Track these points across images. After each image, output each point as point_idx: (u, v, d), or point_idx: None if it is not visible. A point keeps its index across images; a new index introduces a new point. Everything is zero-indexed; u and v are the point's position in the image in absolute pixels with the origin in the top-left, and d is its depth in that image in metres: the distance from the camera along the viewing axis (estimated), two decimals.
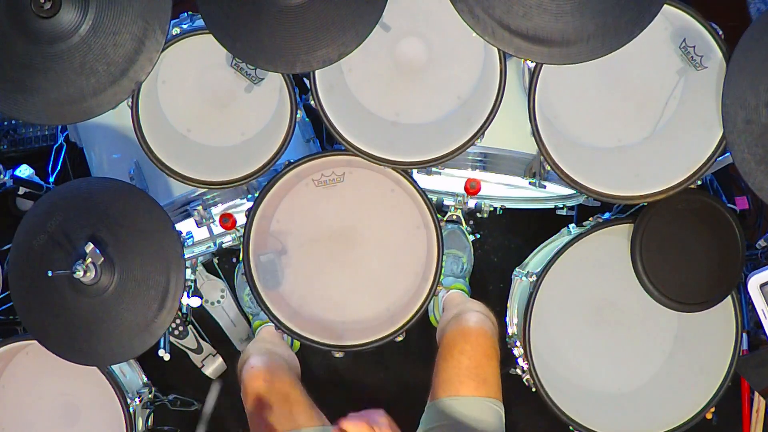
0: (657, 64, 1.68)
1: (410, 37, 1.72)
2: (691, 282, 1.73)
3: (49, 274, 1.48)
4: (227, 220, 1.87)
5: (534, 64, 1.59)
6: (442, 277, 1.78)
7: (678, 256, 1.73)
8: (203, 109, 1.77)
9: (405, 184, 1.78)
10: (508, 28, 1.48)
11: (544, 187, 1.83)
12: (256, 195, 1.78)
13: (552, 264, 1.78)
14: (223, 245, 2.03)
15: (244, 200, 1.87)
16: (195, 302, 1.91)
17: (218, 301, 2.33)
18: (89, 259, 1.47)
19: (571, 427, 1.79)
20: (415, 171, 1.80)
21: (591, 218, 1.88)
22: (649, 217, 1.72)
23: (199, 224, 1.84)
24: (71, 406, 1.89)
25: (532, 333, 1.78)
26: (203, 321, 2.29)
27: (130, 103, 1.62)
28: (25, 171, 2.18)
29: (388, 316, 1.83)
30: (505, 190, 2.05)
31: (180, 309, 1.61)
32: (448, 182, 1.95)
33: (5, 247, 2.03)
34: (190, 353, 2.30)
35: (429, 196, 1.78)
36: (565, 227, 1.91)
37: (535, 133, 1.64)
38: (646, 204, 1.72)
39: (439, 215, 1.78)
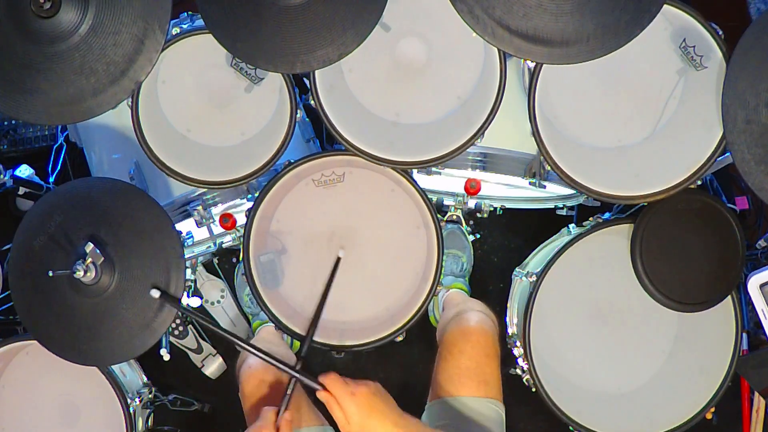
0: (657, 64, 1.67)
1: (410, 37, 1.72)
2: (691, 282, 1.72)
3: (50, 274, 1.47)
4: (227, 220, 1.87)
5: (534, 64, 1.59)
6: (442, 276, 1.78)
7: (678, 256, 1.72)
8: (203, 109, 1.77)
9: (405, 184, 1.78)
10: (508, 28, 1.47)
11: (544, 187, 1.83)
12: (256, 195, 1.78)
13: (552, 264, 1.78)
14: (223, 245, 2.03)
15: (244, 200, 1.87)
16: (195, 302, 1.91)
17: (218, 301, 2.33)
18: (89, 259, 1.47)
19: (571, 427, 1.79)
20: (415, 171, 1.79)
21: (591, 218, 1.87)
22: (649, 217, 1.72)
23: (199, 224, 1.84)
24: (71, 406, 1.88)
25: (532, 333, 1.78)
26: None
27: (130, 103, 1.62)
28: (25, 171, 2.19)
29: (388, 316, 1.83)
30: (505, 190, 2.05)
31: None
32: (448, 182, 1.95)
33: (5, 247, 2.04)
34: (190, 353, 2.30)
35: (429, 196, 1.77)
36: (565, 227, 1.91)
37: (535, 133, 1.63)
38: (646, 204, 1.72)
39: (439, 215, 1.77)
